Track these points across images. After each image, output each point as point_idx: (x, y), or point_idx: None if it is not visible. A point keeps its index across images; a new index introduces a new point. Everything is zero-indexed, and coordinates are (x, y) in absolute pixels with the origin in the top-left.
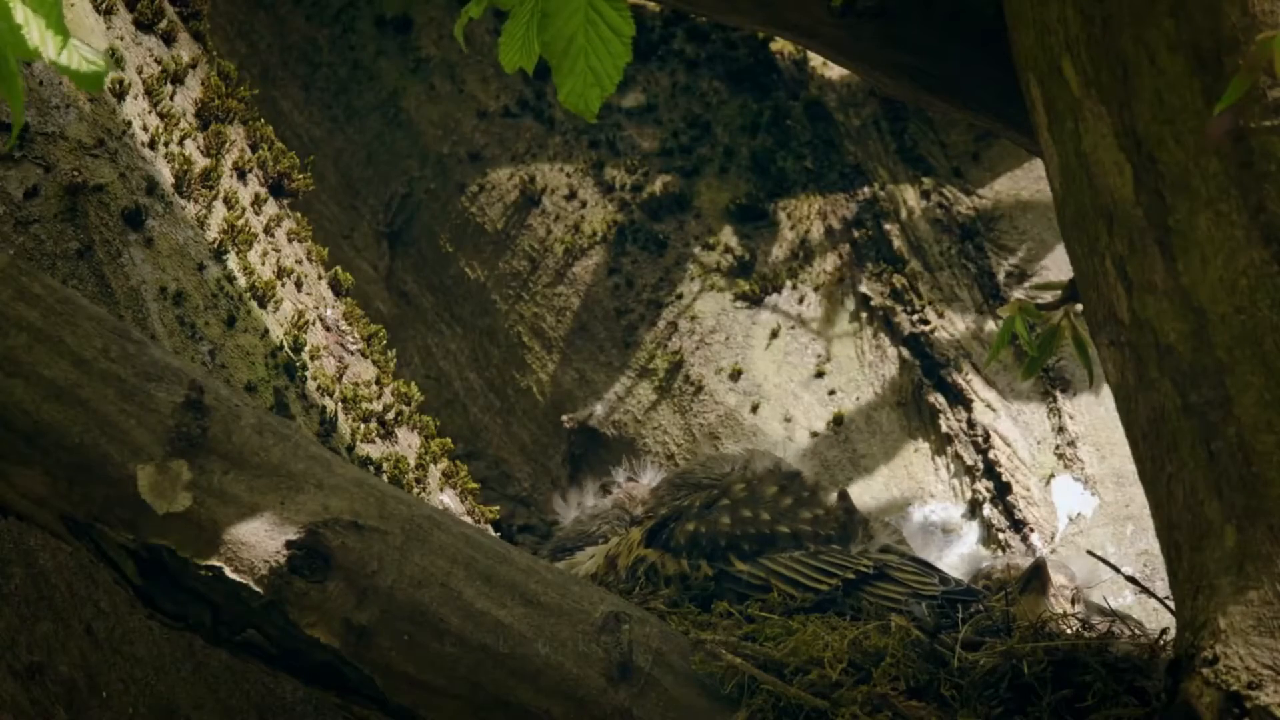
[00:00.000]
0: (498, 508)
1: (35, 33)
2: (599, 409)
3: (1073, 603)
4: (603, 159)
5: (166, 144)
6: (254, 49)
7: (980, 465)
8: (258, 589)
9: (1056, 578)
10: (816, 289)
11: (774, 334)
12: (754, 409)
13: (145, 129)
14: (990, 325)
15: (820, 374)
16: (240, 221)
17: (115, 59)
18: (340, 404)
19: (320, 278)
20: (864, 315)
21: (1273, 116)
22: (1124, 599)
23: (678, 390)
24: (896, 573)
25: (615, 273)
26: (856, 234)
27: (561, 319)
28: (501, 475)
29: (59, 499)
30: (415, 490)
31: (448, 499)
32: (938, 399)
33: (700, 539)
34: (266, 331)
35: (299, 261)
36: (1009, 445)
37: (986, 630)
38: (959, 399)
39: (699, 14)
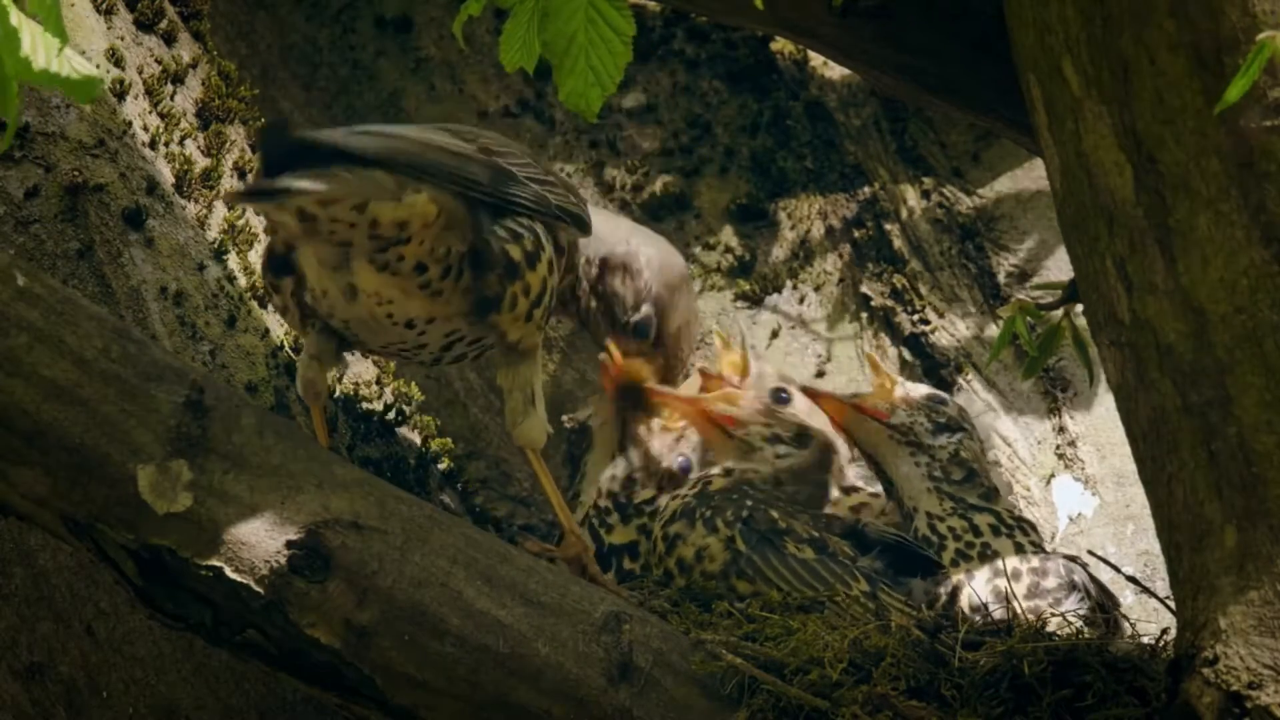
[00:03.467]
0: (498, 507)
1: (27, 39)
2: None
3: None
4: (603, 159)
5: (167, 144)
6: (254, 49)
7: None
8: (258, 589)
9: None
10: (817, 289)
11: (774, 334)
12: None
13: (146, 129)
14: (991, 325)
15: (821, 374)
16: (241, 221)
17: (115, 59)
18: (340, 404)
19: None
20: (864, 315)
21: (1273, 116)
22: (1124, 599)
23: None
24: (883, 595)
25: None
26: (857, 234)
27: (562, 319)
28: (502, 475)
29: (59, 499)
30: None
31: (448, 499)
32: None
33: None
34: (267, 331)
35: None
36: (1009, 445)
37: (987, 630)
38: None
39: (700, 13)
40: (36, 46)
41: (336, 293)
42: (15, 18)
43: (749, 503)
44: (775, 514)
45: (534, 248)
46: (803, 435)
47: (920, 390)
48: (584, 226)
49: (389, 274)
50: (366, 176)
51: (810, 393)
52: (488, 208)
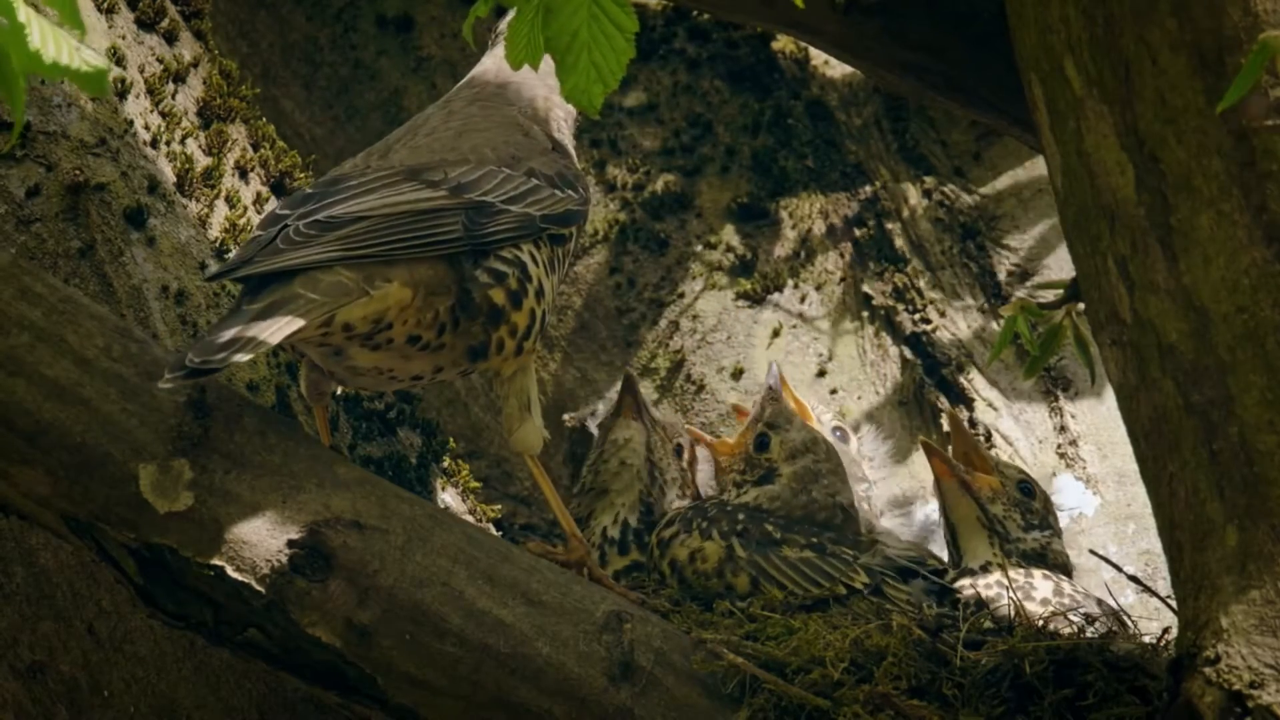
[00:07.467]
0: (499, 507)
1: (36, 32)
2: (601, 408)
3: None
4: (604, 158)
5: (168, 143)
6: (255, 48)
7: None
8: (259, 588)
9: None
10: (818, 288)
11: (776, 333)
12: None
13: (147, 128)
14: (992, 324)
15: (822, 373)
16: (242, 220)
17: (117, 58)
18: (342, 403)
19: None
20: (865, 314)
21: (1274, 116)
22: (1125, 598)
23: (679, 389)
24: (889, 590)
25: (617, 272)
26: (858, 233)
27: (563, 318)
28: (503, 474)
29: (61, 498)
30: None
31: (449, 498)
32: (939, 398)
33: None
34: None
35: None
36: (1011, 444)
37: (988, 630)
38: (960, 398)
39: (703, 11)
40: (46, 39)
41: (342, 371)
42: (23, 13)
43: (741, 515)
44: (769, 527)
45: (519, 283)
46: (769, 472)
47: (1012, 472)
48: (576, 218)
49: (384, 351)
50: (329, 285)
51: (929, 449)
52: (468, 252)
